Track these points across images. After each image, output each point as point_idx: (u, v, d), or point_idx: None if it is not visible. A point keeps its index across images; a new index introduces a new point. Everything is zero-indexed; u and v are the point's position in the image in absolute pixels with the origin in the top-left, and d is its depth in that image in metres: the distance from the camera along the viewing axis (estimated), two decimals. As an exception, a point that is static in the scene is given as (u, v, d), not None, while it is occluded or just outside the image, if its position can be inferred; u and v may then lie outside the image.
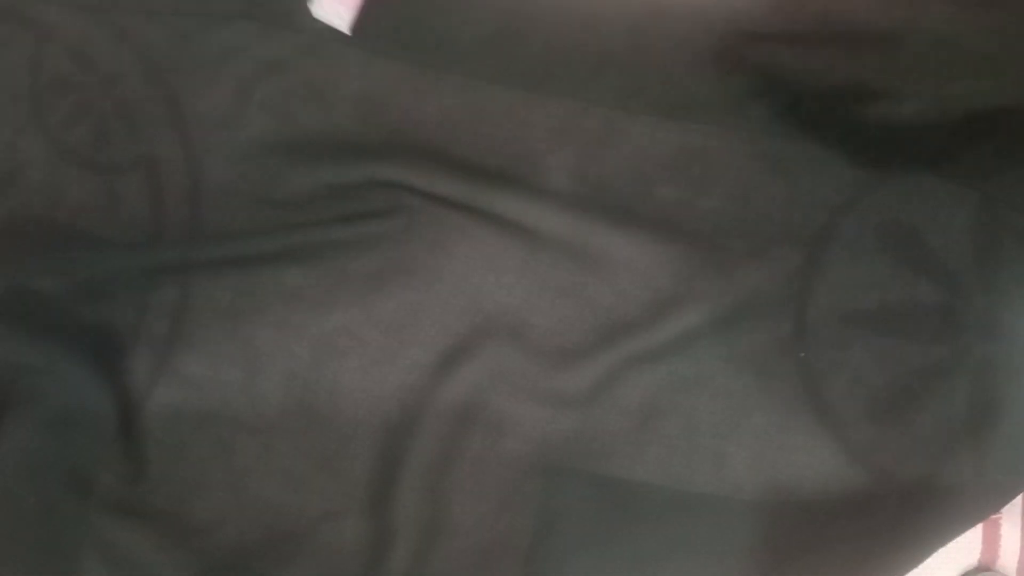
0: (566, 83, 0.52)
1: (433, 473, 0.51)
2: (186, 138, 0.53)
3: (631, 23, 0.52)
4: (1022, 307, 0.49)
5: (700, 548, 0.50)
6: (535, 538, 0.51)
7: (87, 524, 0.50)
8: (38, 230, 0.52)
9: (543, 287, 0.52)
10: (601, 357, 0.51)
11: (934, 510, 0.49)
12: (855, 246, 0.51)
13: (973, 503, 0.49)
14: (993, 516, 0.51)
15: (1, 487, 0.50)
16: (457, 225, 0.52)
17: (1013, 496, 0.49)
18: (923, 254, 0.50)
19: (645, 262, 0.51)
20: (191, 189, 0.52)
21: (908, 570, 0.50)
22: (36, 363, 0.51)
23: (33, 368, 0.51)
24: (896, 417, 0.49)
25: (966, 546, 0.50)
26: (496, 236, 0.52)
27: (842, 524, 0.50)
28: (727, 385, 0.51)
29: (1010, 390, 0.49)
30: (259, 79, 0.52)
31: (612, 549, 0.50)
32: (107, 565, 0.49)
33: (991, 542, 0.51)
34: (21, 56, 0.53)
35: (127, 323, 0.52)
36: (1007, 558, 0.51)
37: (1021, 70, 0.50)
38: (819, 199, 0.51)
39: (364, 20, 0.52)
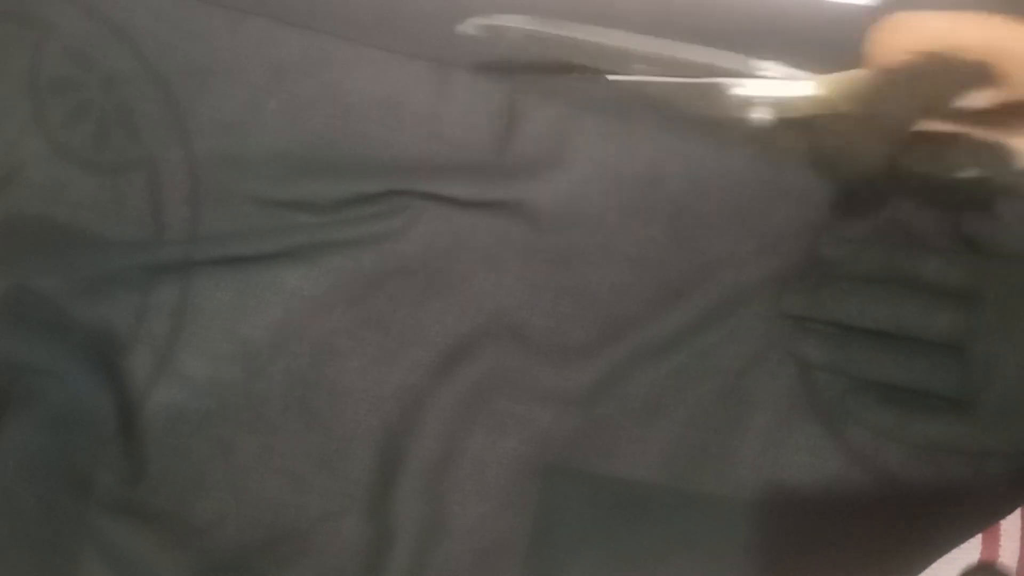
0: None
1: (433, 473, 0.51)
2: (187, 140, 0.53)
3: (643, 13, 0.52)
4: (1022, 307, 0.49)
5: (700, 548, 0.50)
6: (535, 538, 0.51)
7: (87, 524, 0.50)
8: (38, 230, 0.52)
9: (544, 287, 0.52)
10: (603, 354, 0.51)
11: (935, 513, 0.49)
12: (855, 245, 0.51)
13: (975, 506, 0.49)
14: (993, 516, 0.51)
15: (1, 487, 0.50)
16: (457, 225, 0.52)
17: (1017, 500, 0.49)
18: (923, 253, 0.50)
19: (647, 257, 0.51)
20: (191, 190, 0.52)
21: (908, 573, 0.50)
22: (36, 363, 0.51)
23: (33, 368, 0.51)
24: (896, 417, 0.49)
25: (966, 546, 0.50)
26: (497, 236, 0.52)
27: (842, 525, 0.50)
28: (729, 383, 0.51)
29: (1011, 392, 0.49)
30: (270, 83, 0.52)
31: (612, 549, 0.50)
32: (107, 565, 0.49)
33: (991, 542, 0.51)
34: (21, 56, 0.53)
35: (127, 323, 0.52)
36: (1007, 558, 0.51)
37: None
38: (819, 198, 0.51)
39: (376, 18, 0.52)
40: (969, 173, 0.43)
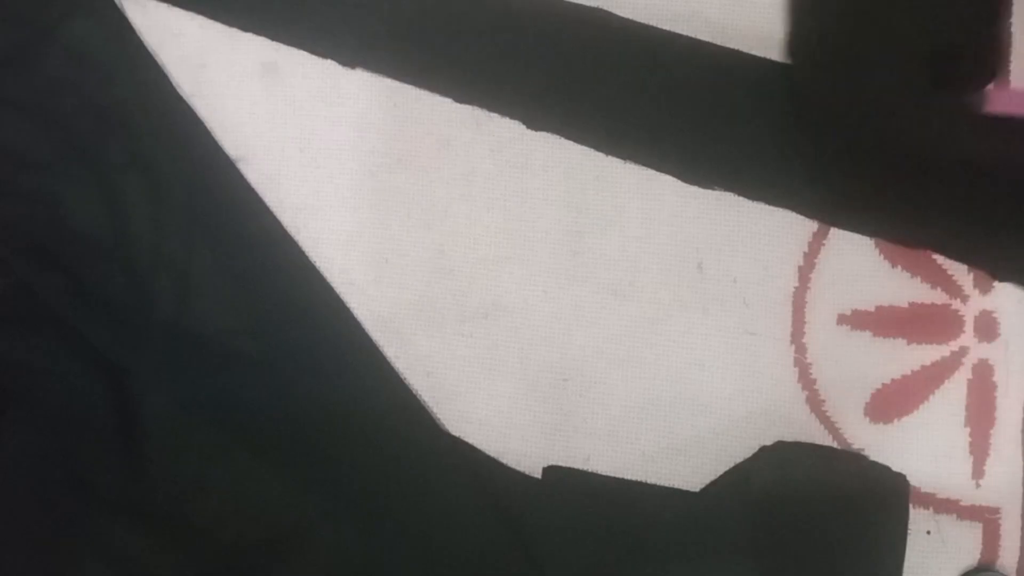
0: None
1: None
2: (184, 135, 0.53)
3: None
4: (1022, 307, 0.49)
5: (700, 548, 0.50)
6: (535, 538, 0.51)
7: (87, 524, 0.50)
8: (38, 230, 0.52)
9: (542, 285, 0.52)
10: None
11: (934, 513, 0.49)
12: (854, 244, 0.51)
13: (973, 506, 0.50)
14: (993, 516, 0.51)
15: (1, 487, 0.50)
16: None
17: (1014, 499, 0.49)
18: (920, 252, 0.50)
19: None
20: (190, 190, 0.52)
21: None
22: (36, 363, 0.51)
23: (33, 368, 0.51)
24: (896, 417, 0.50)
25: (966, 546, 0.50)
26: (494, 235, 0.52)
27: (841, 525, 0.50)
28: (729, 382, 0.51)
29: (1010, 390, 0.49)
30: (263, 76, 0.52)
31: (612, 549, 0.50)
32: (107, 565, 0.50)
33: (991, 542, 0.51)
34: (20, 56, 0.53)
35: (127, 323, 0.52)
36: (1007, 558, 0.51)
37: None
38: (818, 195, 0.52)
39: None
40: None
